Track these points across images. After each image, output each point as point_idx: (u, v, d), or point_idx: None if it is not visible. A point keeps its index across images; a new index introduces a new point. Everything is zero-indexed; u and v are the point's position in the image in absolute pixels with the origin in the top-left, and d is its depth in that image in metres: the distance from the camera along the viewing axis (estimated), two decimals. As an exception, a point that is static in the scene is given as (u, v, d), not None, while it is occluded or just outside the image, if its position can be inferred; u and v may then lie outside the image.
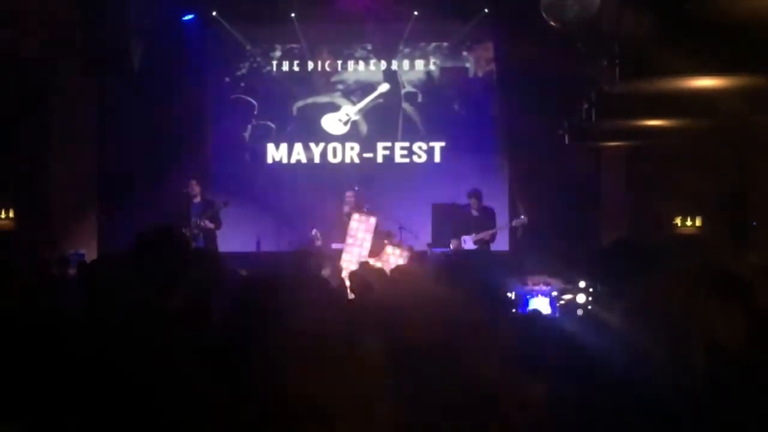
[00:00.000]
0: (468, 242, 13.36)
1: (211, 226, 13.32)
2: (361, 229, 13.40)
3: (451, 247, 13.34)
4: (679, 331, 1.70)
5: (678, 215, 14.37)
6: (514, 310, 9.10)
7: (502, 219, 14.55)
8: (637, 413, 1.83)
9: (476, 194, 13.45)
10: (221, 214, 13.60)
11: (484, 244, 13.41)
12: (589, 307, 8.89)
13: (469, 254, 12.77)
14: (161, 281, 3.52)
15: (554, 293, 10.14)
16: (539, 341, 3.24)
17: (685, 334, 1.67)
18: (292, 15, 15.46)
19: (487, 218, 13.55)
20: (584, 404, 2.60)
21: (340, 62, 16.15)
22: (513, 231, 14.61)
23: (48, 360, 3.21)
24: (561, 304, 9.82)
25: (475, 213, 13.43)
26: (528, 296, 10.25)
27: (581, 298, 9.48)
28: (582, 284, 9.73)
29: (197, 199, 13.63)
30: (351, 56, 16.19)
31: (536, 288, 10.37)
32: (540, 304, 10.15)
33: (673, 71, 9.27)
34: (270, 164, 16.06)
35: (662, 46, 8.90)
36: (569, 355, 2.95)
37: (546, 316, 9.02)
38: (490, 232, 13.42)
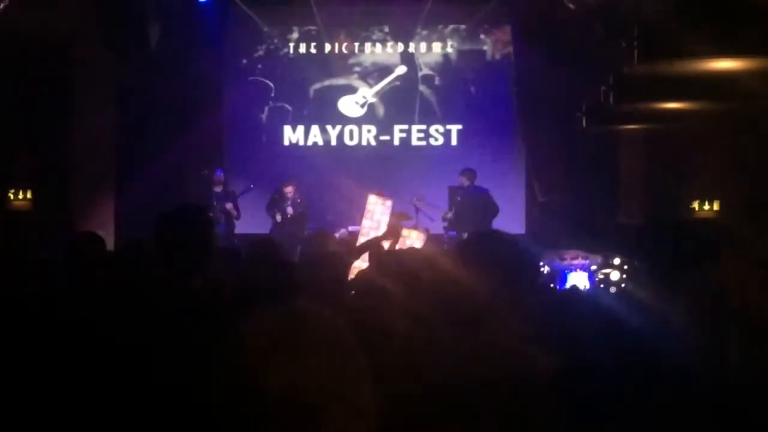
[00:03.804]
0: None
1: (234, 213, 13.58)
2: (377, 212, 13.37)
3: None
4: (755, 323, 1.59)
5: (696, 199, 14.26)
6: (552, 285, 9.00)
7: (516, 203, 14.58)
8: (705, 410, 1.71)
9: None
10: (240, 201, 13.91)
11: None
12: (623, 285, 8.78)
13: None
14: (186, 260, 3.44)
15: (593, 267, 9.98)
16: (575, 317, 3.17)
17: (765, 328, 1.56)
18: (309, -3, 15.44)
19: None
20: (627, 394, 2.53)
21: (357, 44, 16.11)
22: (529, 213, 14.57)
23: (66, 341, 3.22)
24: (599, 279, 9.69)
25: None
26: (566, 271, 10.10)
27: (615, 276, 9.34)
28: (617, 261, 9.57)
29: (219, 188, 13.80)
30: (368, 38, 16.14)
31: (574, 262, 10.21)
32: (578, 278, 9.99)
33: (693, 53, 9.20)
34: (286, 146, 16.07)
35: (682, 28, 8.83)
36: (606, 333, 2.88)
37: (583, 291, 8.87)
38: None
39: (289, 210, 13.79)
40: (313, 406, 1.42)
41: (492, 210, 13.34)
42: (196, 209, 3.68)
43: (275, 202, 13.98)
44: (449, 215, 13.62)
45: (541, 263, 10.08)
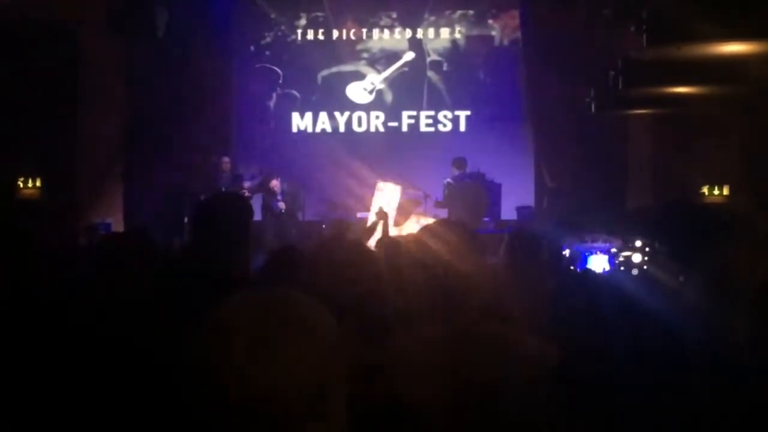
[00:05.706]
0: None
1: (248, 195, 13.52)
2: (385, 198, 13.35)
3: None
4: (764, 302, 1.59)
5: (705, 184, 14.21)
6: (571, 267, 8.98)
7: (525, 188, 14.54)
8: (714, 388, 1.70)
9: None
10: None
11: None
12: (645, 267, 8.74)
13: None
14: (229, 248, 3.39)
15: (613, 250, 9.93)
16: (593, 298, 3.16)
17: None
18: (317, -17, 15.42)
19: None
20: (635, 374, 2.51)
21: (365, 30, 16.09)
22: (538, 199, 14.54)
23: (72, 331, 3.23)
24: (620, 261, 9.62)
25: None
26: (587, 253, 10.03)
27: (637, 258, 9.27)
28: (638, 243, 9.50)
29: (226, 174, 13.80)
30: (376, 24, 16.12)
31: (595, 245, 10.14)
32: (599, 261, 9.93)
33: (702, 37, 9.15)
34: (295, 133, 16.07)
35: (690, 12, 8.79)
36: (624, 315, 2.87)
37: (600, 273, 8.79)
38: None
39: (281, 205, 13.63)
40: (279, 401, 1.35)
41: (483, 198, 13.35)
42: (235, 197, 3.59)
43: (264, 201, 13.82)
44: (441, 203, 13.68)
45: (563, 246, 10.00)
